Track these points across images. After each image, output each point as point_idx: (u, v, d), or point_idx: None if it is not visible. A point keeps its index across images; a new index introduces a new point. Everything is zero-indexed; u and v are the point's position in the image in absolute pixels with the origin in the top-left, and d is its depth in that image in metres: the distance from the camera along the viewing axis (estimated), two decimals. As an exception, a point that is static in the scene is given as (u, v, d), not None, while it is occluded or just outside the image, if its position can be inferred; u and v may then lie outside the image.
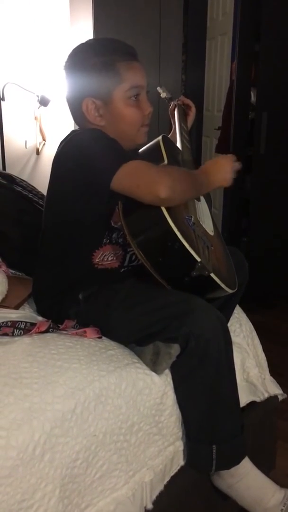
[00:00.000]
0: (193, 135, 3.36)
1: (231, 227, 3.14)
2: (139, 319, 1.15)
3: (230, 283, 1.18)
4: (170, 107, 1.57)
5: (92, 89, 1.19)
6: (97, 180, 1.10)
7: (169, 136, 1.46)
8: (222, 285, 1.12)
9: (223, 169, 1.22)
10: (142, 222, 1.12)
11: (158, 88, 1.55)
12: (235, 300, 1.41)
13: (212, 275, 1.09)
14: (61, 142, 1.21)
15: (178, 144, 1.41)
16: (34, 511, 0.92)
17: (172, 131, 1.53)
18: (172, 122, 1.55)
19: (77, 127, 1.31)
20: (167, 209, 1.07)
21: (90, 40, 1.24)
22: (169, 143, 1.32)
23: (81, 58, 1.20)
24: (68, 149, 1.18)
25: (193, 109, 1.56)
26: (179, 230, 1.05)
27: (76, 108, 1.23)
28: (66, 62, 1.22)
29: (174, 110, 1.55)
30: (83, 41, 1.24)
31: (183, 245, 1.05)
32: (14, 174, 1.85)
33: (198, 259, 1.06)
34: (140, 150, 1.30)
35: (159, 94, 1.57)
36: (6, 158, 2.84)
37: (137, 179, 1.09)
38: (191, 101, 1.59)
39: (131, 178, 1.09)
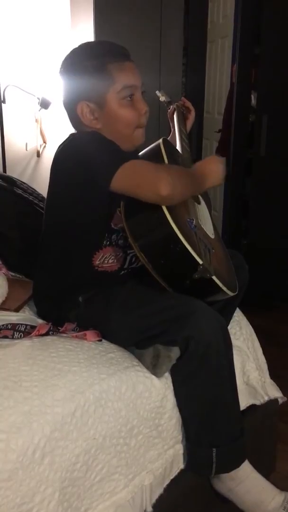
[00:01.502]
0: (194, 137, 3.36)
1: (231, 229, 3.14)
2: (139, 321, 1.15)
3: (231, 286, 1.18)
4: (169, 110, 1.58)
5: (85, 92, 1.20)
6: (96, 181, 1.11)
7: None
8: (224, 288, 1.12)
9: (215, 169, 1.24)
10: (144, 224, 1.12)
11: (157, 92, 1.56)
12: (235, 303, 1.41)
13: (214, 277, 1.09)
14: (60, 145, 1.21)
15: (178, 147, 1.42)
16: (33, 515, 0.92)
17: (171, 134, 1.54)
18: (171, 125, 1.56)
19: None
20: (169, 211, 1.07)
21: (81, 44, 1.25)
22: (170, 146, 1.32)
23: (73, 62, 1.21)
24: (67, 152, 1.18)
25: (193, 113, 1.57)
26: (181, 232, 1.06)
27: (72, 112, 1.23)
28: (61, 67, 1.23)
29: (173, 113, 1.55)
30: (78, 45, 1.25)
31: (185, 248, 1.06)
32: (14, 177, 1.85)
33: (200, 262, 1.07)
34: (140, 153, 1.30)
35: (158, 97, 1.57)
36: (6, 160, 2.84)
37: (137, 178, 1.09)
38: (191, 104, 1.60)
39: (131, 177, 1.09)
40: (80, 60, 1.20)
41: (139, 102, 1.22)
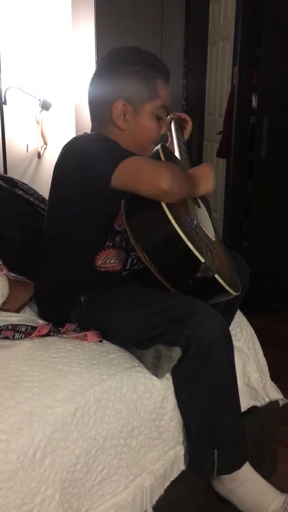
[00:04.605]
0: (195, 139, 3.36)
1: (232, 231, 3.14)
2: (140, 322, 1.15)
3: (234, 286, 1.18)
4: (167, 120, 1.59)
5: (128, 93, 1.23)
6: (97, 178, 1.11)
7: None
8: (227, 287, 1.12)
9: (208, 176, 1.26)
10: (145, 224, 1.12)
11: None
12: (236, 304, 1.41)
13: (216, 276, 1.09)
14: (63, 148, 1.22)
15: (176, 154, 1.43)
16: (34, 515, 0.91)
17: (169, 142, 1.55)
18: (169, 134, 1.57)
19: (77, 133, 1.32)
20: (170, 210, 1.07)
21: (136, 47, 1.29)
22: (168, 152, 1.34)
23: (126, 62, 1.24)
24: (69, 153, 1.19)
25: (190, 123, 1.58)
26: (182, 231, 1.06)
27: (104, 106, 1.24)
28: (106, 58, 1.26)
29: (170, 122, 1.57)
30: (112, 46, 1.27)
31: (187, 246, 1.06)
32: (15, 178, 1.85)
33: (202, 260, 1.07)
34: None
35: None
36: (7, 162, 2.84)
37: (139, 172, 1.10)
38: (187, 115, 1.61)
39: (132, 172, 1.10)
40: (134, 63, 1.23)
41: (163, 123, 1.31)
